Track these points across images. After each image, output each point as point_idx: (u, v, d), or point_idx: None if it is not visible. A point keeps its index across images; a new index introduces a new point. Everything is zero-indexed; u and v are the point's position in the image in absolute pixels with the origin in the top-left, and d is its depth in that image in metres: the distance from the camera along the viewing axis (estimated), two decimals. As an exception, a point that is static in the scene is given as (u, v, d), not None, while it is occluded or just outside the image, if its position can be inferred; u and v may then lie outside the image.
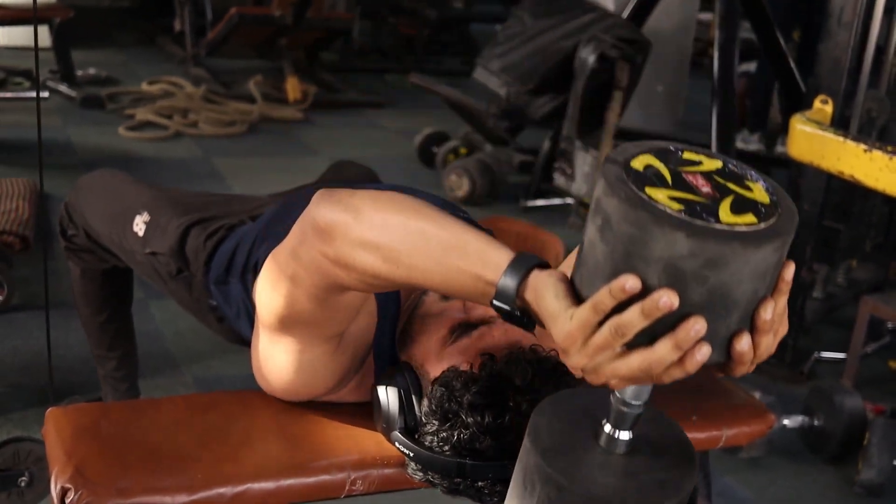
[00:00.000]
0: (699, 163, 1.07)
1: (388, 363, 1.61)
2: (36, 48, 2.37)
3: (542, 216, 4.82)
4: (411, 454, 1.47)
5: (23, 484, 2.21)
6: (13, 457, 2.23)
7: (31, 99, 5.73)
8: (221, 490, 1.47)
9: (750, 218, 0.99)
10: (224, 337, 2.01)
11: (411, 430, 1.49)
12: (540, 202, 5.02)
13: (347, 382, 1.64)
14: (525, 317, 1.14)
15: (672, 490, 1.12)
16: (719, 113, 4.09)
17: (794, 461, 3.00)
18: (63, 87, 5.90)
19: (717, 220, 0.97)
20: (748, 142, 6.44)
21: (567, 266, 1.69)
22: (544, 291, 1.08)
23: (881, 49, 3.37)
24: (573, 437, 1.15)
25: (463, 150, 5.33)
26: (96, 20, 7.83)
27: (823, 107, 3.08)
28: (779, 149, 6.09)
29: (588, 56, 4.27)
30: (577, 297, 1.06)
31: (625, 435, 1.13)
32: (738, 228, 0.97)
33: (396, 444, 1.49)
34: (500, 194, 5.06)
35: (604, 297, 0.99)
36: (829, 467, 2.97)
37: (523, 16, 4.79)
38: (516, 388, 1.39)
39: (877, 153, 2.71)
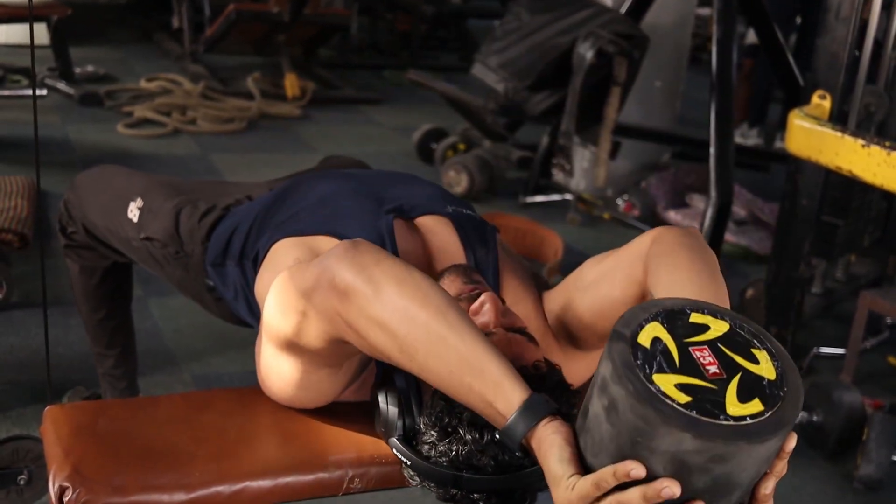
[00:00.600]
0: (707, 327, 1.09)
1: (388, 367, 1.60)
2: (32, 46, 2.37)
3: (540, 212, 4.82)
4: (408, 462, 1.46)
5: (22, 482, 2.21)
6: (12, 455, 2.24)
7: (28, 96, 5.72)
8: (219, 488, 1.47)
9: (756, 406, 1.02)
10: (222, 317, 2.01)
11: (410, 437, 1.48)
12: (539, 198, 5.02)
13: (348, 387, 1.63)
14: (526, 457, 1.21)
15: None
16: (718, 108, 4.09)
17: (792, 457, 2.96)
18: (61, 85, 5.90)
19: (724, 413, 1.00)
20: (747, 136, 6.45)
21: (565, 290, 1.69)
22: (549, 451, 1.14)
23: (879, 43, 3.36)
24: None
25: (461, 147, 5.33)
26: (94, 17, 7.83)
27: (821, 102, 3.07)
28: (777, 144, 6.10)
29: (586, 52, 4.27)
30: (580, 463, 1.10)
31: None
32: (743, 423, 0.99)
33: (394, 450, 1.48)
34: (499, 190, 5.06)
35: (607, 476, 1.04)
36: (827, 463, 2.97)
37: (521, 12, 4.78)
38: None
39: (875, 148, 2.70)
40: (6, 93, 5.68)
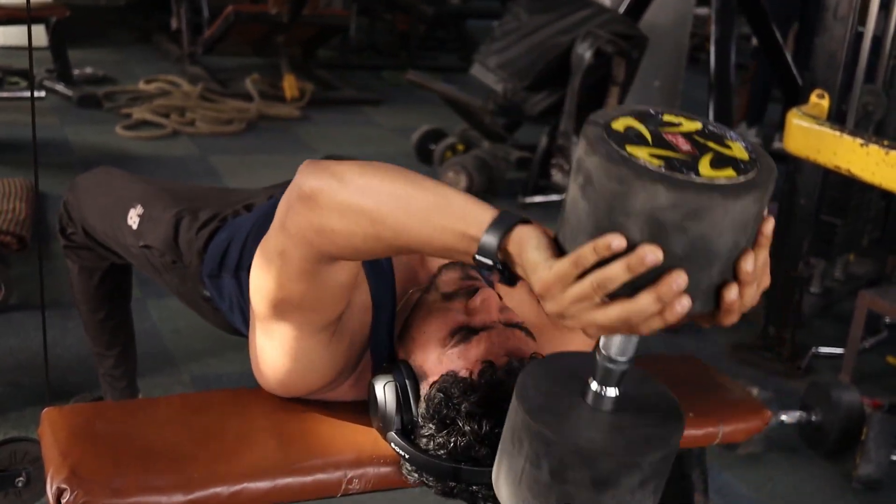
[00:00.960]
0: (679, 124, 1.09)
1: (385, 360, 1.61)
2: (30, 47, 2.37)
3: (539, 212, 4.81)
4: (407, 455, 1.46)
5: (20, 484, 2.20)
6: (10, 457, 2.23)
7: (27, 98, 5.70)
8: (217, 489, 1.47)
9: (729, 172, 1.01)
10: (219, 326, 2.02)
11: (408, 430, 1.49)
12: (538, 198, 5.02)
13: (344, 379, 1.63)
14: (506, 270, 1.15)
15: (658, 444, 1.13)
16: (716, 108, 4.10)
17: (792, 457, 3.00)
18: (60, 87, 5.90)
19: (697, 174, 0.99)
20: (745, 136, 6.44)
21: None
22: (527, 244, 1.10)
23: (878, 43, 3.36)
24: (560, 396, 1.17)
25: (460, 147, 5.33)
26: (93, 19, 7.83)
27: (820, 101, 3.07)
28: (776, 144, 6.10)
29: (584, 52, 4.27)
30: (559, 252, 1.08)
31: (611, 392, 1.14)
32: (717, 181, 0.99)
33: (392, 444, 1.49)
34: (498, 191, 5.06)
35: (587, 252, 1.01)
36: (826, 462, 2.97)
37: (520, 12, 4.79)
38: None
39: (873, 147, 2.70)
40: (4, 95, 5.67)
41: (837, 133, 2.82)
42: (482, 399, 1.40)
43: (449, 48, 8.48)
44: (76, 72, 6.18)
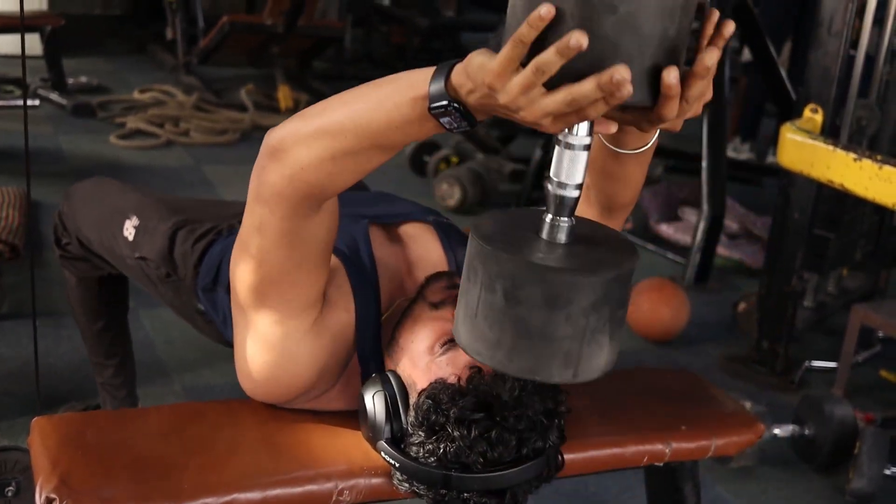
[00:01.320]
0: None
1: (374, 369, 1.61)
2: (23, 56, 2.37)
3: (533, 225, 4.80)
4: (397, 464, 1.46)
5: (10, 493, 2.20)
6: (0, 466, 2.22)
7: (20, 107, 5.70)
8: (207, 500, 1.46)
9: None
10: (212, 338, 2.02)
11: (397, 439, 1.49)
12: (531, 211, 5.01)
13: (330, 383, 1.63)
14: (461, 104, 1.18)
15: (610, 266, 1.14)
16: (711, 122, 4.10)
17: (785, 470, 2.99)
18: (54, 96, 5.89)
19: None
20: (739, 150, 6.46)
21: None
22: (469, 60, 1.15)
23: (871, 58, 3.37)
24: (515, 231, 1.19)
25: (454, 159, 5.33)
26: (87, 28, 7.82)
27: (813, 116, 3.08)
28: (770, 158, 6.11)
29: (579, 65, 4.27)
30: None
31: (565, 221, 1.17)
32: None
33: (382, 453, 1.49)
34: (492, 203, 5.06)
35: (523, 29, 1.05)
36: (819, 476, 2.97)
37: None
38: (503, 402, 1.40)
39: (867, 162, 2.71)
40: (-1, 103, 5.67)
41: (831, 147, 2.83)
42: (471, 404, 1.40)
43: (444, 60, 8.46)
44: (70, 81, 6.18)
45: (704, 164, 4.11)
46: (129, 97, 6.21)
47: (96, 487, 1.44)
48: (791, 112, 3.45)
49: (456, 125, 1.20)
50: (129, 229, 2.04)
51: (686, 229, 4.72)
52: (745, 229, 4.80)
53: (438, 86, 1.18)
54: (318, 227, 1.45)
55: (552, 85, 1.06)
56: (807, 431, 2.99)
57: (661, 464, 1.81)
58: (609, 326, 1.15)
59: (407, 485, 1.48)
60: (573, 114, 1.07)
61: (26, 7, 2.43)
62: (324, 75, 7.52)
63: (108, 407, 2.50)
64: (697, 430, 1.83)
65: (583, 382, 1.16)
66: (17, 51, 2.41)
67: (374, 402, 1.50)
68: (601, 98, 1.04)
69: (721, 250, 4.44)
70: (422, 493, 1.47)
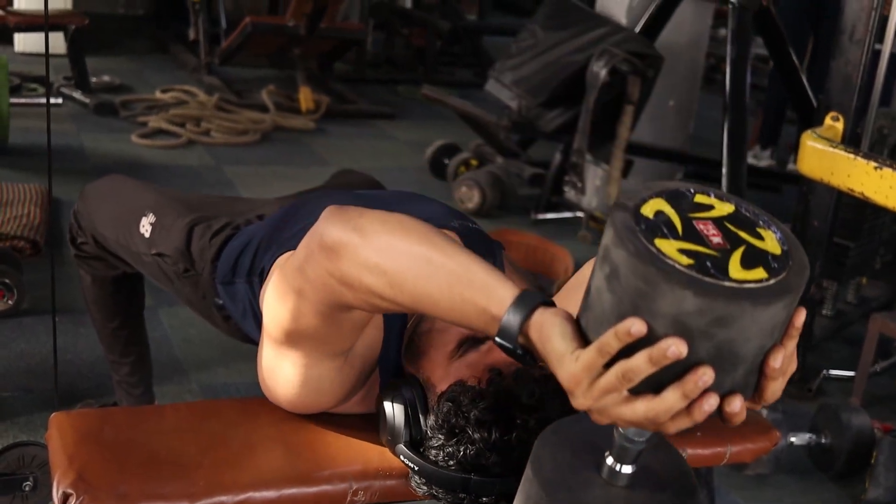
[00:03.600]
0: (711, 207, 1.06)
1: (392, 375, 1.61)
2: (47, 55, 2.38)
3: (552, 229, 4.81)
4: (416, 468, 1.46)
5: (27, 488, 2.21)
6: (18, 461, 2.24)
7: (44, 105, 5.74)
8: (222, 498, 1.47)
9: (760, 273, 0.98)
10: (230, 334, 2.01)
11: (416, 443, 1.48)
12: (550, 215, 5.02)
13: (354, 395, 1.64)
14: (527, 355, 1.14)
15: None
16: (731, 129, 4.08)
17: (801, 479, 2.98)
18: (77, 94, 5.93)
19: (727, 276, 0.96)
20: (760, 157, 6.44)
21: (571, 288, 1.70)
22: (550, 332, 1.08)
23: (894, 66, 3.36)
24: (575, 468, 1.15)
25: (474, 162, 5.34)
26: (111, 28, 7.87)
27: (834, 124, 3.07)
28: (790, 166, 6.09)
29: (600, 70, 4.27)
30: (583, 340, 1.06)
31: (627, 469, 1.13)
32: (747, 286, 0.96)
33: (401, 457, 1.48)
34: (511, 207, 5.06)
35: (609, 339, 1.00)
36: (836, 486, 2.96)
37: (536, 29, 4.80)
38: (524, 405, 1.39)
39: (887, 171, 2.70)
40: (22, 101, 5.70)
41: (851, 156, 2.82)
42: (491, 406, 1.39)
43: (464, 64, 8.49)
44: (93, 80, 6.22)
45: (724, 170, 4.09)
46: (151, 97, 6.24)
47: (112, 483, 1.45)
48: (812, 120, 3.44)
49: (513, 357, 1.17)
50: (146, 226, 2.05)
51: (705, 236, 4.70)
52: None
53: (513, 324, 1.13)
54: (357, 314, 1.42)
55: (634, 390, 1.01)
56: (823, 440, 2.98)
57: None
58: None
59: (425, 487, 1.48)
60: (651, 425, 1.03)
61: (51, 6, 2.45)
62: (345, 77, 7.54)
63: (124, 404, 2.51)
64: (713, 436, 1.82)
65: None
66: (42, 49, 2.43)
67: (393, 406, 1.50)
68: (684, 412, 1.00)
69: (740, 257, 4.42)
70: (440, 496, 1.46)
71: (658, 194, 1.06)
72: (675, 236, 1.00)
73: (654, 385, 0.99)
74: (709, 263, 0.97)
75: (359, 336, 1.51)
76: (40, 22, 5.64)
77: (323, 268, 1.31)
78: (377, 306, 1.30)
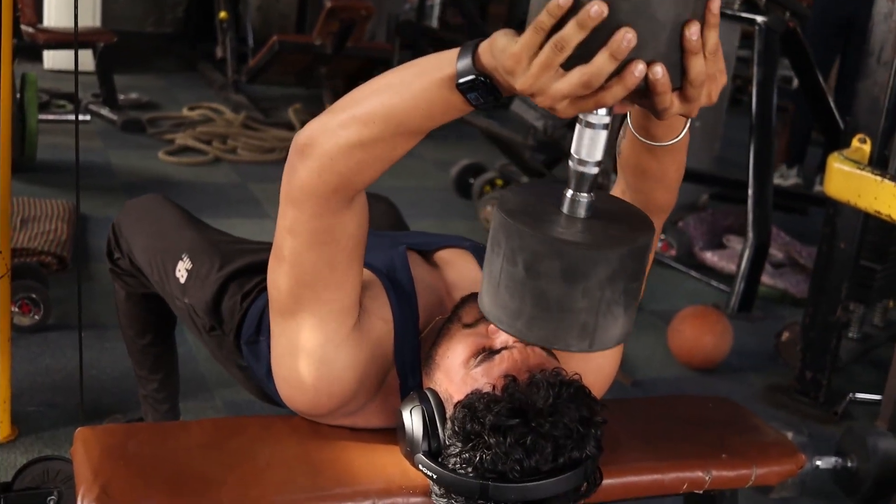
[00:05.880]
0: None
1: (412, 386, 1.62)
2: (76, 72, 2.41)
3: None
4: (434, 476, 1.47)
5: (51, 503, 2.22)
6: (42, 475, 2.25)
7: (72, 121, 5.79)
8: (246, 514, 1.47)
9: None
10: (251, 392, 2.03)
11: (435, 453, 1.49)
12: (575, 235, 5.00)
13: (370, 398, 1.64)
14: (488, 79, 1.21)
15: (626, 240, 1.18)
16: (757, 150, 4.08)
17: (826, 503, 2.96)
18: (104, 111, 5.97)
19: None
20: (786, 177, 6.42)
21: None
22: (494, 40, 1.18)
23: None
24: (537, 205, 1.23)
25: (499, 182, 5.34)
26: (139, 45, 7.93)
27: (861, 146, 3.06)
28: (817, 187, 6.07)
29: (626, 90, 4.27)
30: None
31: (584, 197, 1.20)
32: None
33: (420, 466, 1.49)
34: (535, 226, 5.05)
35: (542, 17, 1.08)
36: (861, 510, 2.93)
37: (562, 49, 4.80)
38: (538, 410, 1.40)
39: (915, 193, 2.68)
40: (51, 117, 5.75)
41: (879, 178, 2.81)
42: (506, 411, 1.40)
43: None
44: (121, 97, 6.27)
45: (750, 191, 4.09)
46: (178, 114, 6.27)
47: (137, 499, 1.45)
48: (838, 141, 3.43)
49: (482, 100, 1.24)
50: (182, 271, 2.05)
51: (731, 257, 4.69)
52: (791, 258, 4.77)
53: (466, 62, 1.22)
54: (349, 222, 1.48)
55: (568, 65, 1.09)
56: (849, 464, 2.96)
57: (701, 491, 1.80)
58: (623, 299, 1.19)
59: (445, 499, 1.48)
60: (589, 98, 1.10)
61: (80, 24, 2.47)
62: (371, 96, 7.55)
63: (150, 420, 2.52)
64: (738, 458, 1.81)
65: (598, 351, 1.21)
66: (71, 66, 2.45)
67: (411, 417, 1.51)
68: (616, 78, 1.07)
69: (765, 279, 4.41)
70: None
71: None
72: None
73: (585, 57, 1.08)
74: None
75: (358, 276, 1.56)
76: (69, 39, 5.70)
77: (305, 169, 1.41)
78: (362, 161, 1.38)
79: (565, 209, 1.21)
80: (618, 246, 1.16)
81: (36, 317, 3.27)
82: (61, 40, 5.78)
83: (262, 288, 1.94)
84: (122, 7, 8.32)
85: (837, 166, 2.95)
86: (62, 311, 3.36)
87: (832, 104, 4.72)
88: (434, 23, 8.88)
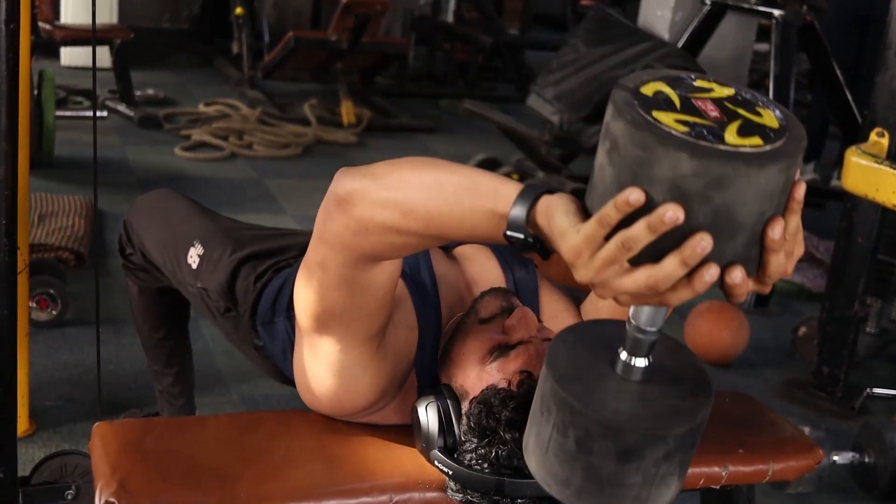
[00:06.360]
0: (710, 90, 1.07)
1: (428, 384, 1.62)
2: (94, 68, 2.41)
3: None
4: (450, 472, 1.47)
5: (69, 497, 2.23)
6: (60, 470, 2.26)
7: (89, 118, 5.82)
8: (263, 509, 1.48)
9: (756, 140, 0.99)
10: (268, 374, 2.03)
11: (451, 449, 1.50)
12: (591, 230, 5.00)
13: (389, 399, 1.64)
14: (538, 243, 1.14)
15: (685, 416, 1.12)
16: (773, 144, 4.05)
17: (843, 499, 2.95)
18: (121, 107, 5.98)
19: (722, 141, 0.98)
20: (803, 171, 6.39)
21: (595, 298, 1.70)
22: (555, 211, 1.09)
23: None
24: (590, 364, 1.16)
25: (515, 177, 5.33)
26: (155, 42, 7.95)
27: (879, 140, 3.04)
28: (834, 182, 6.04)
29: (642, 85, 4.26)
30: (586, 217, 1.07)
31: (640, 362, 1.14)
32: (742, 150, 0.97)
33: (436, 462, 1.49)
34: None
35: (609, 210, 1.00)
36: (879, 505, 2.93)
37: (578, 44, 4.79)
38: None
39: (933, 187, 2.67)
40: (68, 114, 5.77)
41: (897, 172, 2.79)
42: (521, 407, 1.40)
43: (506, 78, 8.50)
44: (138, 93, 6.28)
45: (767, 186, 4.07)
46: (194, 110, 6.29)
47: (154, 493, 1.46)
48: (856, 135, 3.41)
49: (527, 251, 1.17)
50: (194, 257, 2.05)
51: (747, 252, 4.68)
52: (808, 253, 4.75)
53: (520, 213, 1.14)
54: (380, 275, 1.44)
55: (634, 261, 1.01)
56: (867, 459, 2.95)
57: (718, 486, 1.79)
58: (679, 469, 1.14)
59: (461, 494, 1.48)
60: (653, 296, 1.02)
61: (97, 20, 2.48)
62: (386, 91, 7.57)
63: (165, 415, 2.52)
64: (755, 453, 1.81)
65: None
66: (88, 63, 2.46)
67: (427, 413, 1.52)
68: (685, 281, 1.00)
69: (782, 274, 4.39)
70: (476, 500, 1.47)
71: (659, 78, 1.07)
72: (673, 109, 1.02)
73: (654, 255, 1.00)
74: (705, 131, 0.99)
75: (386, 312, 1.52)
76: (86, 36, 5.72)
77: (340, 222, 1.35)
78: (394, 244, 1.33)
79: (619, 370, 1.15)
80: (676, 425, 1.10)
81: (54, 312, 3.28)
82: (78, 37, 5.79)
83: (276, 269, 1.95)
84: (138, 4, 8.33)
85: (855, 160, 2.94)
86: (80, 306, 3.37)
87: (849, 98, 4.70)
88: (449, 17, 8.86)
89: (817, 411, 3.41)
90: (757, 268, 1.04)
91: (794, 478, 1.96)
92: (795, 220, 1.04)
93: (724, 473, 1.76)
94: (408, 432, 1.60)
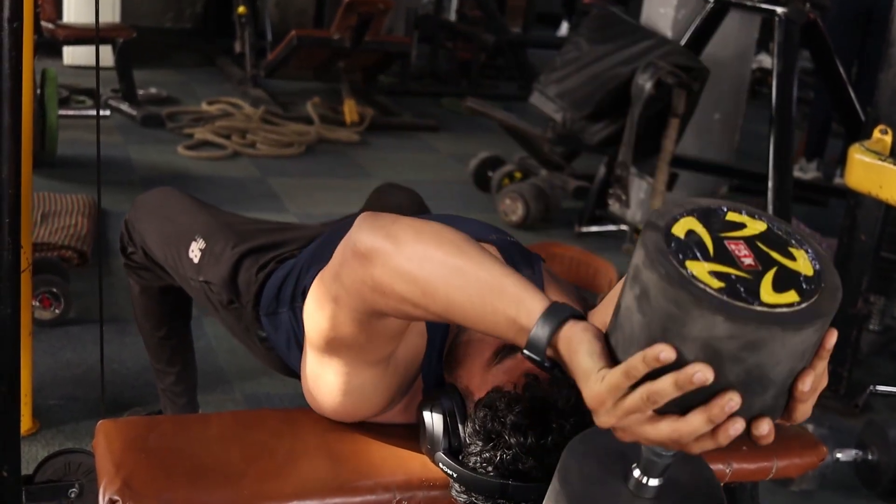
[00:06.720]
0: (743, 226, 1.06)
1: (434, 385, 1.62)
2: (97, 67, 2.41)
3: (596, 242, 4.80)
4: (455, 475, 1.46)
5: (73, 495, 2.23)
6: (64, 468, 2.26)
7: (92, 117, 5.82)
8: (267, 507, 1.47)
9: (791, 296, 0.98)
10: (272, 367, 2.03)
11: (455, 451, 1.49)
12: (594, 228, 5.01)
13: (396, 403, 1.64)
14: (556, 368, 1.14)
15: None
16: (777, 142, 4.06)
17: (846, 496, 2.95)
18: (124, 106, 5.99)
19: (758, 300, 0.96)
20: (806, 170, 6.39)
21: (608, 301, 1.69)
22: (578, 347, 1.09)
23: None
24: (602, 480, 1.15)
25: (518, 175, 5.34)
26: (158, 41, 7.95)
27: (883, 137, 3.04)
28: (837, 179, 6.04)
29: (645, 82, 4.26)
30: (611, 359, 1.06)
31: (654, 482, 1.13)
32: (778, 310, 0.96)
33: (440, 464, 1.49)
34: (555, 219, 5.05)
35: (637, 363, 0.99)
36: (882, 503, 2.92)
37: (581, 42, 4.79)
38: (559, 409, 1.39)
39: (936, 184, 2.67)
40: (71, 113, 5.77)
41: (900, 169, 2.79)
42: (527, 411, 1.39)
43: (509, 76, 8.50)
44: (140, 92, 6.28)
45: (770, 183, 4.07)
46: (197, 109, 6.29)
47: (158, 491, 1.46)
48: (859, 133, 3.41)
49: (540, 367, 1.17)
50: (195, 251, 2.05)
51: (750, 250, 4.67)
52: (811, 251, 4.74)
53: (542, 336, 1.13)
54: (392, 322, 1.42)
55: (660, 411, 1.01)
56: (870, 457, 2.94)
57: (722, 484, 1.79)
58: None
59: (465, 496, 1.48)
60: (675, 445, 1.03)
61: (99, 19, 2.48)
62: (389, 90, 7.57)
63: (168, 412, 2.52)
64: (759, 450, 1.81)
65: None
66: (89, 62, 2.46)
67: (432, 416, 1.51)
68: (708, 434, 1.00)
69: (785, 271, 4.38)
70: (480, 503, 1.47)
71: (689, 212, 1.06)
72: (707, 257, 1.00)
73: (680, 406, 0.99)
74: (740, 287, 0.97)
75: (397, 344, 1.51)
76: (89, 35, 5.73)
77: (357, 274, 1.32)
78: (409, 314, 1.31)
79: (632, 487, 1.14)
80: None
81: (57, 311, 3.28)
82: (81, 36, 5.80)
83: (279, 261, 1.95)
84: (141, 3, 8.34)
85: (858, 157, 2.93)
86: (83, 305, 3.37)
87: (853, 95, 4.69)
88: (452, 16, 8.87)
89: (821, 409, 3.40)
90: (783, 412, 1.04)
91: (798, 475, 1.95)
92: (822, 365, 1.03)
93: (727, 471, 1.76)
94: (413, 430, 1.60)
